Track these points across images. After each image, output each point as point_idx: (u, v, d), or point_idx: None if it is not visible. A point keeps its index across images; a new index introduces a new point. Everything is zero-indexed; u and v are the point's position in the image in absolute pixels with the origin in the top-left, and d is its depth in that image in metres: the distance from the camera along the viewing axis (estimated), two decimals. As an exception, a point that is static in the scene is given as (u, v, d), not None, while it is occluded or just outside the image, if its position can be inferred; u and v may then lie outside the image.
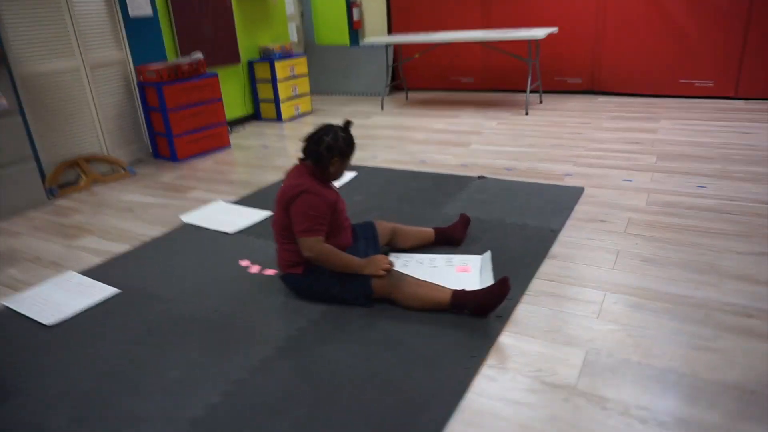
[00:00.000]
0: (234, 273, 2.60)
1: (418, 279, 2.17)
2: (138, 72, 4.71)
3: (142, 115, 4.84)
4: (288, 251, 2.25)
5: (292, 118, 6.21)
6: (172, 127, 4.65)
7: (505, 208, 3.10)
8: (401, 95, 7.08)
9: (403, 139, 4.90)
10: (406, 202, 3.33)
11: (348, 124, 2.22)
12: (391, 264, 2.16)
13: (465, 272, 2.41)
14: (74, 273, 2.73)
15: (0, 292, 2.64)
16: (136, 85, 4.76)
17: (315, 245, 2.11)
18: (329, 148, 2.15)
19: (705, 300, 2.11)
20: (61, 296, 2.51)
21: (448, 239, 2.66)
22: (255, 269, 2.62)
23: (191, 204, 3.66)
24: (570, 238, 2.70)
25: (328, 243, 2.18)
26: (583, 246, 2.61)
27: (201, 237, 3.07)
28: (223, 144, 5.10)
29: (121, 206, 3.74)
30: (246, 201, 3.60)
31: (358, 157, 4.39)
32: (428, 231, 2.65)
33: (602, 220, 2.88)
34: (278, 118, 6.13)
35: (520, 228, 2.83)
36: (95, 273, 2.73)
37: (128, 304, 2.40)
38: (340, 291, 2.19)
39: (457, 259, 2.53)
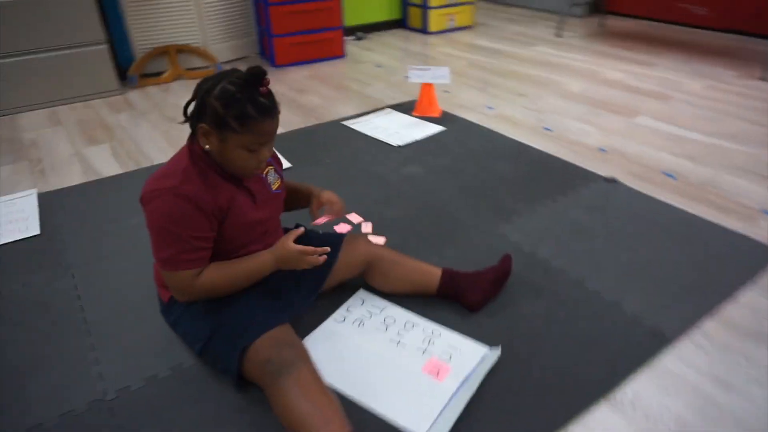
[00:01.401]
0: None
1: (318, 383, 1.21)
2: (252, -47, 4.01)
3: (253, 6, 4.21)
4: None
5: (443, 32, 5.04)
6: (273, 24, 3.95)
7: (607, 256, 1.81)
8: (602, 19, 5.30)
9: (547, 87, 3.51)
10: (469, 197, 2.20)
11: (256, 74, 1.18)
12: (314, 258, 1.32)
13: (434, 379, 1.35)
14: (28, 193, 2.32)
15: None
16: (249, -31, 4.10)
17: (186, 285, 1.25)
18: (198, 108, 1.21)
19: None
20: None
21: (458, 295, 1.57)
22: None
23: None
24: (688, 364, 1.39)
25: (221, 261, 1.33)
26: (706, 401, 1.31)
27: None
28: (334, 53, 4.27)
29: (169, 113, 3.25)
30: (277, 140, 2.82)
31: (467, 103, 3.22)
32: (432, 272, 1.59)
33: (781, 341, 1.46)
34: (424, 29, 5.02)
35: (603, 308, 1.58)
36: (53, 197, 2.29)
37: (19, 258, 1.89)
38: (205, 346, 1.35)
39: (443, 342, 1.46)
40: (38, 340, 1.53)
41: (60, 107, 3.38)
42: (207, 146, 1.23)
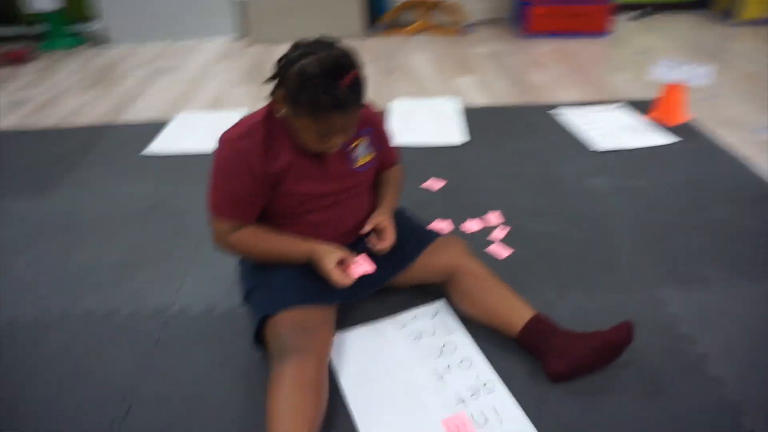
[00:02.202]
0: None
1: (314, 382, 1.09)
2: None
3: (521, -35, 3.90)
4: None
5: (759, 21, 3.92)
6: (531, -12, 3.60)
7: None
8: None
9: None
10: (649, 237, 1.69)
11: (341, 66, 1.05)
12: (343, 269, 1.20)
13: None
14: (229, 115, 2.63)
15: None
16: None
17: (220, 235, 1.23)
18: (279, 75, 1.11)
19: None
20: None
21: (541, 353, 1.22)
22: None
23: (413, 92, 2.88)
24: None
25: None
26: None
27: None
28: (595, 29, 3.71)
29: (390, 65, 3.28)
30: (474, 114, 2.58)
31: (732, 118, 2.46)
32: (519, 313, 1.25)
33: None
34: (726, 14, 3.98)
35: None
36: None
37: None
38: (246, 299, 1.33)
39: (490, 400, 1.15)
40: (165, 237, 1.74)
41: (311, 43, 3.72)
42: (281, 112, 1.15)
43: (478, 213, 1.82)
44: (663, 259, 1.58)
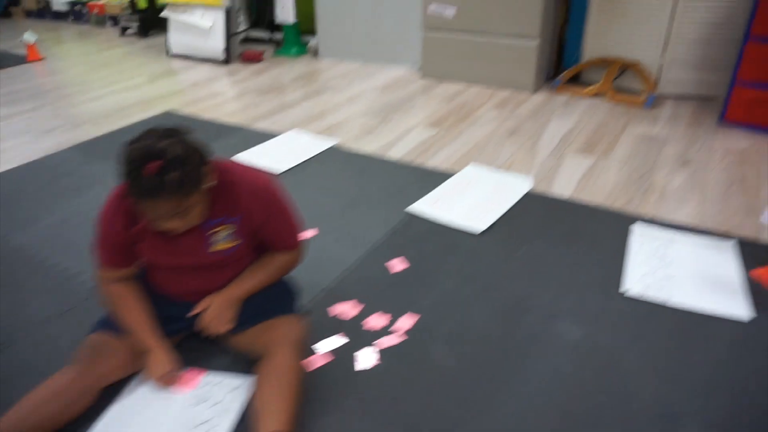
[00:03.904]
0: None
1: (62, 395, 1.24)
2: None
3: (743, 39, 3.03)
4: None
5: None
6: (742, 65, 2.81)
7: None
8: None
9: None
10: (638, 389, 1.29)
11: (134, 159, 1.12)
12: (167, 377, 1.35)
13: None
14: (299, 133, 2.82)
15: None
16: None
17: (100, 282, 1.40)
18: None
19: None
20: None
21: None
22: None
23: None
24: None
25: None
26: None
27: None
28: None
29: (537, 132, 3.01)
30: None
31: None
32: (271, 425, 1.17)
33: None
34: None
35: None
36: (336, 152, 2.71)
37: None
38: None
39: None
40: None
41: (473, 87, 3.66)
42: None
43: (406, 311, 1.65)
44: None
